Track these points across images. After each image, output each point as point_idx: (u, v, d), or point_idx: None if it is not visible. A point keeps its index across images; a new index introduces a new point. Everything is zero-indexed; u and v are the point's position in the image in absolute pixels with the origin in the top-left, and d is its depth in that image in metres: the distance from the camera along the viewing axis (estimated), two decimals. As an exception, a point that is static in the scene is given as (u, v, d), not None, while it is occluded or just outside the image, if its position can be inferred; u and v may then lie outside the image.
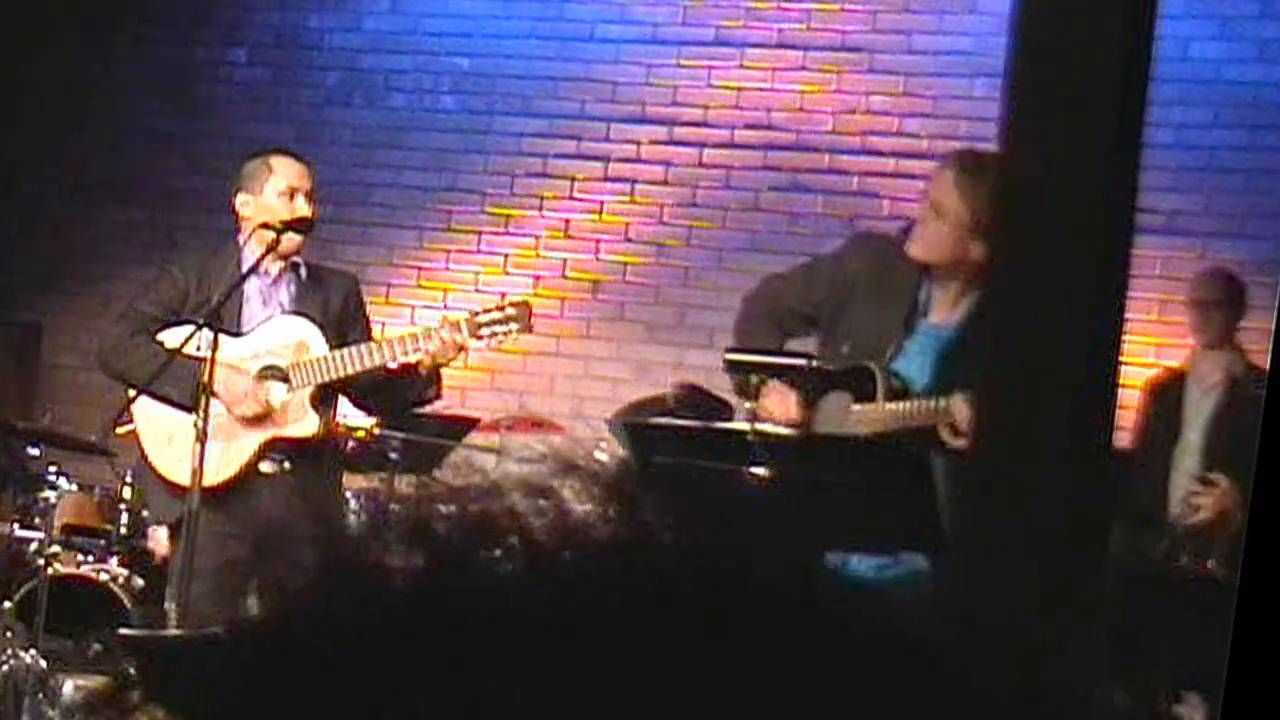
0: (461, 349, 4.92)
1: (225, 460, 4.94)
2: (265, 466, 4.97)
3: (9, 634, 6.25)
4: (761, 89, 8.03)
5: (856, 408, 4.22)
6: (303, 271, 5.11)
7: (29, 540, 6.64)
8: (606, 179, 8.20)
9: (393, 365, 4.94)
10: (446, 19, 8.55)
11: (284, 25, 8.81)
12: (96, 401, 7.98)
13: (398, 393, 5.11)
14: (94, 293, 8.85)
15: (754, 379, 4.12)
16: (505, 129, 8.35)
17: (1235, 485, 5.51)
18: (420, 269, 8.33)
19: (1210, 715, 5.73)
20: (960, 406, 4.00)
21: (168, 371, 4.88)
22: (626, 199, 8.18)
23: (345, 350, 4.91)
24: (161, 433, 4.96)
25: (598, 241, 8.19)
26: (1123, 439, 5.91)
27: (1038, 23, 2.33)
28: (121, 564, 6.67)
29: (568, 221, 8.24)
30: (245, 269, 5.02)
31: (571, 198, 8.25)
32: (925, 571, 4.05)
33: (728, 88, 8.09)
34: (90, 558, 6.68)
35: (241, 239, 5.08)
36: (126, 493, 6.94)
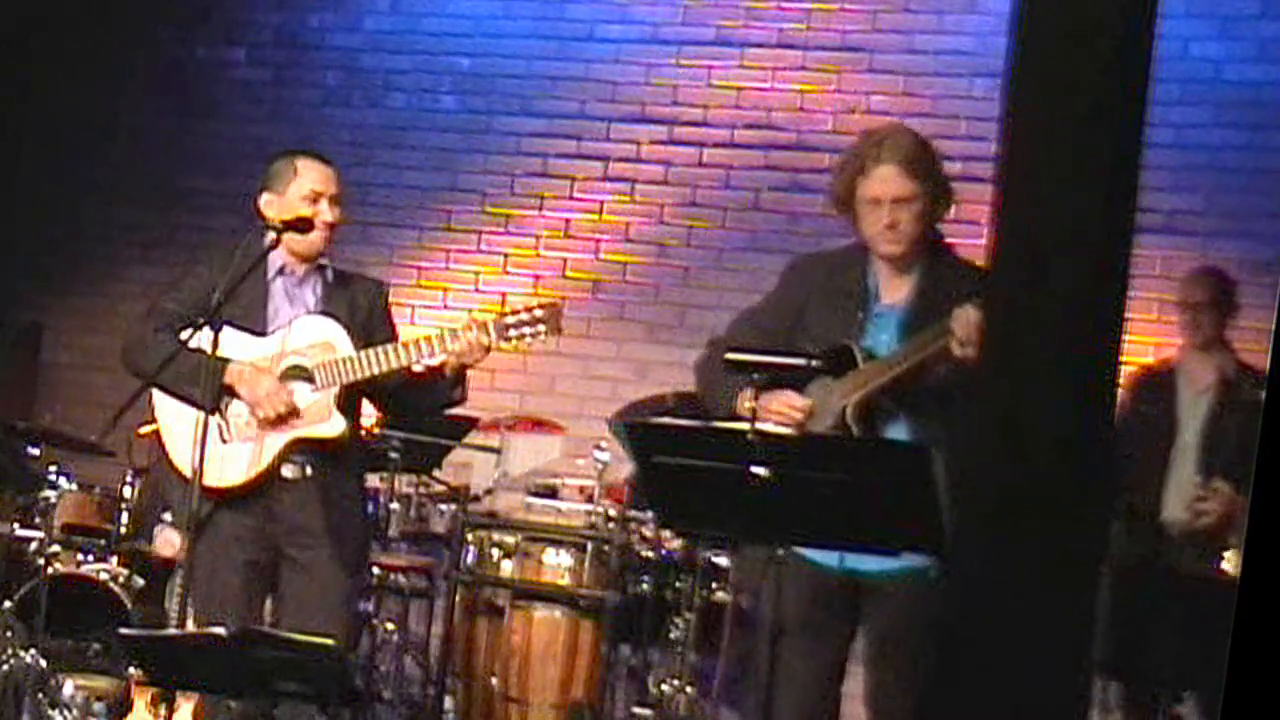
0: (487, 350, 4.87)
1: (249, 460, 4.91)
2: (287, 469, 4.93)
3: (9, 634, 6.25)
4: (761, 89, 8.04)
5: (840, 382, 4.24)
6: (329, 274, 5.08)
7: (29, 540, 6.64)
8: (606, 179, 8.20)
9: (418, 366, 4.91)
10: (446, 19, 8.55)
11: (284, 25, 8.81)
12: (96, 401, 7.99)
13: (423, 395, 5.06)
14: (94, 293, 8.85)
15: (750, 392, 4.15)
16: (505, 129, 8.36)
17: (1237, 490, 5.52)
18: (420, 269, 8.33)
19: (1210, 715, 5.73)
20: (957, 315, 4.06)
21: (189, 371, 4.84)
22: (626, 199, 8.18)
23: (370, 350, 4.86)
24: (184, 432, 4.93)
25: (598, 241, 8.19)
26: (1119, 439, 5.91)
27: (1038, 22, 2.33)
28: (121, 564, 6.67)
29: (568, 221, 8.24)
30: (272, 270, 5.01)
31: (571, 198, 8.25)
32: (917, 567, 4.06)
33: (728, 88, 8.09)
34: (90, 557, 6.68)
35: (267, 239, 5.04)
36: (126, 492, 6.94)
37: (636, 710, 6.03)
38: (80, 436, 6.72)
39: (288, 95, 8.73)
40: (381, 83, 8.60)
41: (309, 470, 4.92)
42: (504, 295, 8.27)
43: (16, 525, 6.71)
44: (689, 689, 5.85)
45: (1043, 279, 2.30)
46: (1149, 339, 6.82)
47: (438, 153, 8.41)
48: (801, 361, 4.15)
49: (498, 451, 7.01)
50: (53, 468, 6.65)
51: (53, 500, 6.52)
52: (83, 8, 8.98)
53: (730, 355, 4.19)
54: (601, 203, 8.20)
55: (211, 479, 4.87)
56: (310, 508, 4.90)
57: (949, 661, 2.30)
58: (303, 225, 4.96)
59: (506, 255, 8.31)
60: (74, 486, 6.78)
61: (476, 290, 8.29)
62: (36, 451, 6.77)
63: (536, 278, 8.24)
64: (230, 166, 8.69)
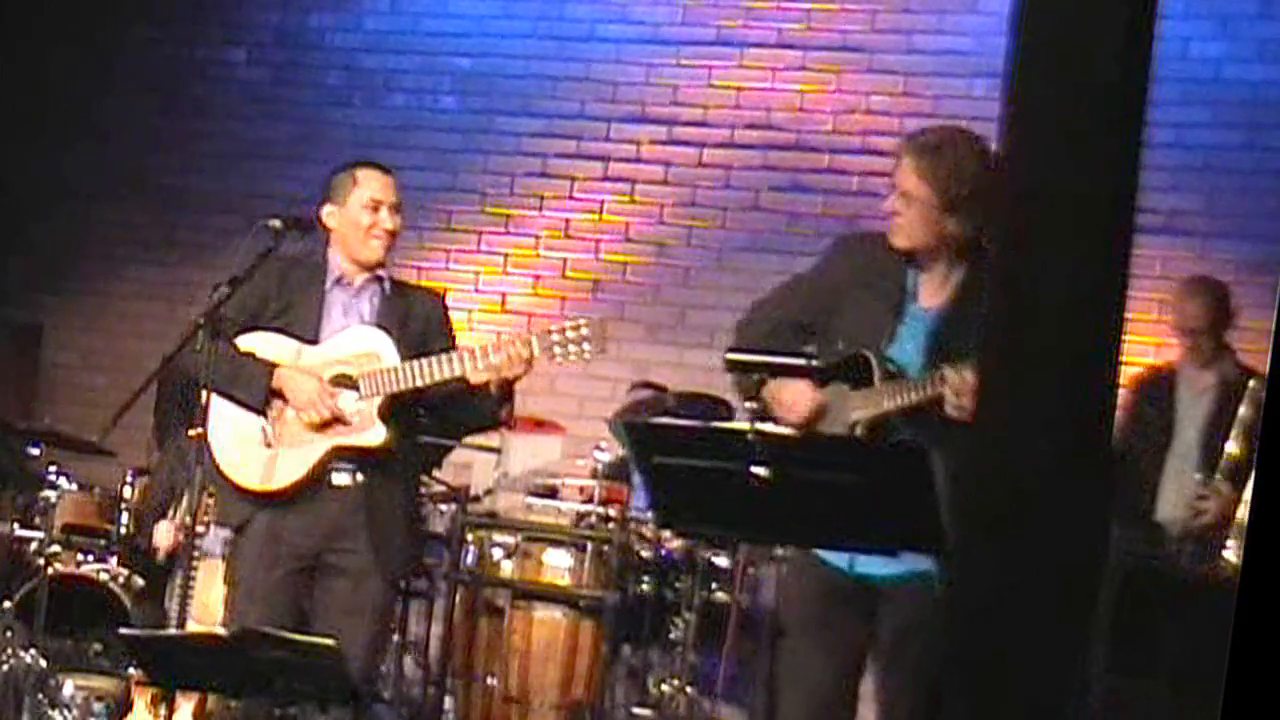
0: (528, 362, 4.82)
1: (291, 466, 4.91)
2: (337, 476, 4.92)
3: (9, 634, 6.25)
4: (761, 89, 8.03)
5: (855, 394, 4.24)
6: (386, 285, 5.07)
7: (29, 540, 6.65)
8: (606, 179, 8.20)
9: (461, 379, 4.86)
10: (446, 19, 8.55)
11: (284, 25, 8.81)
12: (96, 401, 7.99)
13: (469, 410, 5.05)
14: (94, 293, 8.85)
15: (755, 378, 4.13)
16: (505, 129, 8.36)
17: (1236, 490, 5.53)
18: (420, 269, 8.32)
19: (1210, 715, 5.73)
20: (955, 373, 4.04)
21: (238, 375, 4.87)
22: (626, 199, 8.18)
23: (414, 362, 4.85)
24: (230, 436, 4.95)
25: (598, 241, 8.19)
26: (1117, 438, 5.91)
27: (1038, 23, 2.33)
28: (121, 564, 6.67)
29: (568, 221, 8.24)
30: (329, 280, 5.02)
31: (571, 198, 8.25)
32: (926, 570, 4.06)
33: (728, 88, 8.09)
34: (90, 557, 6.68)
35: (330, 250, 5.05)
36: (126, 492, 6.94)
37: (636, 710, 6.04)
38: (80, 436, 6.72)
39: (288, 95, 8.73)
40: (381, 83, 8.60)
41: (359, 477, 4.92)
42: (504, 296, 8.28)
43: (16, 525, 6.71)
44: (689, 689, 5.85)
45: (1043, 279, 2.30)
46: (1149, 339, 6.82)
47: (438, 153, 8.40)
48: (801, 362, 4.14)
49: (498, 451, 7.00)
50: (53, 468, 6.65)
51: (53, 500, 6.53)
52: (82, 7, 8.98)
53: (730, 356, 4.17)
54: (601, 203, 8.21)
55: (254, 482, 4.93)
56: (354, 516, 4.90)
57: (953, 663, 2.30)
58: (305, 225, 4.99)
59: (506, 255, 8.31)
60: (74, 486, 6.78)
61: (476, 290, 8.29)
62: (36, 451, 6.77)
63: (536, 278, 8.24)
64: (230, 166, 8.69)
